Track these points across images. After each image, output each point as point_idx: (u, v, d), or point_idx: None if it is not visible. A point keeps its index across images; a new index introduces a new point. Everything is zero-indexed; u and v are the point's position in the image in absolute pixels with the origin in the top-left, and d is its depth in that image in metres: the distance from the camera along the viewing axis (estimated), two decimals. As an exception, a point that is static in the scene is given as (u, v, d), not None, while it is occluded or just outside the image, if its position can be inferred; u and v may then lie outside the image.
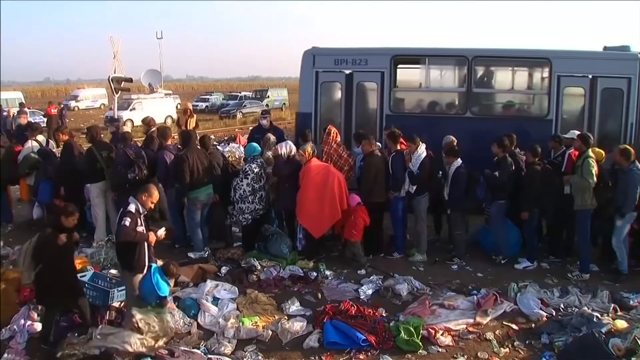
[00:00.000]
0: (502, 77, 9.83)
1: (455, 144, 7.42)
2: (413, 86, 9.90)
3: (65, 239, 4.77)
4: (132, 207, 4.96)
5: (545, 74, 8.60)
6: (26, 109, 16.84)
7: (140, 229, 4.97)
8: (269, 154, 7.47)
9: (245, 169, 7.07)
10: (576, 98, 8.38)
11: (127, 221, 4.85)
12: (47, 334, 4.84)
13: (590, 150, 6.57)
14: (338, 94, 9.15)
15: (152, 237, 5.03)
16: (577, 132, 7.10)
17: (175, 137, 10.43)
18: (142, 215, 5.04)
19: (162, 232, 5.23)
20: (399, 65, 9.12)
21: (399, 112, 8.95)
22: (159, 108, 26.35)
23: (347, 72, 8.92)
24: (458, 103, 9.17)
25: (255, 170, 6.99)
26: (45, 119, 21.67)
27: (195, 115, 11.56)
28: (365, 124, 8.79)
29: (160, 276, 4.95)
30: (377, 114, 8.86)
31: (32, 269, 4.83)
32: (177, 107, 28.62)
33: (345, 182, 7.03)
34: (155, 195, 5.15)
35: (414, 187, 6.99)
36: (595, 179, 6.35)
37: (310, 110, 9.00)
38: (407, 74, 9.86)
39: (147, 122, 9.30)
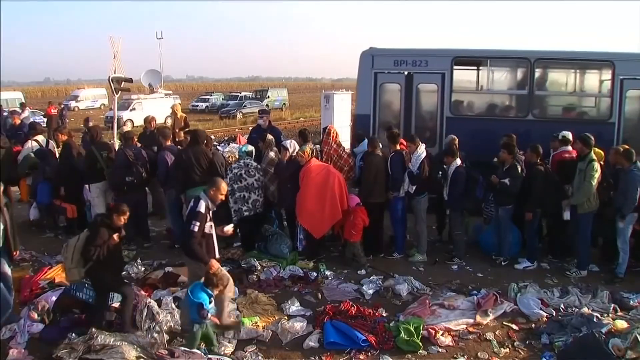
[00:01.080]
0: (564, 80, 9.71)
1: (456, 142, 7.42)
2: (472, 88, 9.70)
3: (117, 239, 4.91)
4: (202, 207, 4.81)
5: (608, 77, 8.50)
6: (18, 109, 16.77)
7: (209, 225, 4.90)
8: (272, 154, 7.46)
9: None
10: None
11: (196, 226, 4.73)
12: (99, 318, 5.00)
13: (592, 152, 6.57)
14: (397, 96, 9.00)
15: (215, 264, 4.83)
16: (570, 133, 7.13)
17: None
18: (210, 212, 4.94)
19: (229, 228, 5.21)
20: (459, 67, 8.96)
21: (459, 114, 8.87)
22: (159, 108, 26.33)
23: (407, 73, 8.81)
24: (519, 105, 9.06)
25: (234, 172, 6.98)
26: (45, 119, 21.69)
27: (182, 116, 11.51)
28: (424, 126, 8.71)
29: (202, 288, 4.62)
30: (437, 116, 8.76)
31: (82, 266, 4.91)
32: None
33: (345, 182, 7.03)
34: (224, 187, 5.03)
35: (414, 187, 6.99)
36: (596, 182, 6.36)
37: (368, 112, 8.86)
38: (466, 76, 9.69)
39: (149, 120, 9.31)
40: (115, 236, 4.90)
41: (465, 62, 9.16)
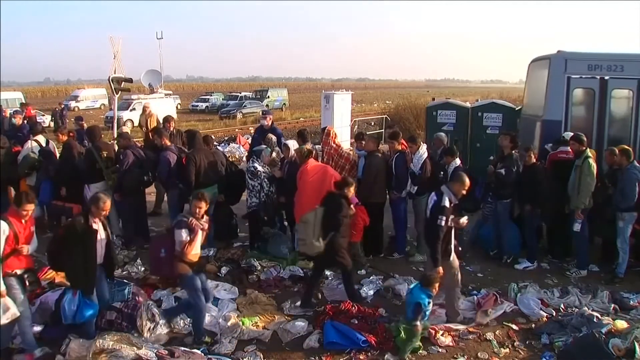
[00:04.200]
0: None
1: (446, 142, 7.44)
2: None
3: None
4: (446, 201, 4.98)
5: None
6: (19, 109, 16.70)
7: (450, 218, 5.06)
8: (274, 154, 7.47)
9: None
10: None
11: (443, 220, 4.92)
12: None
13: (588, 150, 6.59)
14: (590, 101, 8.57)
15: (441, 271, 5.02)
16: (570, 134, 7.14)
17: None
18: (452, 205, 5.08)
19: (464, 220, 5.31)
20: None
21: None
22: (159, 108, 26.34)
23: (601, 78, 8.41)
24: None
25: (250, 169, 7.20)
26: (44, 119, 21.59)
27: (154, 115, 11.46)
28: (617, 133, 8.41)
29: (421, 289, 4.85)
30: (632, 124, 8.40)
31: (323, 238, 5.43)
32: (177, 107, 28.61)
33: None
34: (467, 182, 5.15)
35: (415, 188, 7.00)
36: (595, 178, 6.37)
37: (559, 117, 8.45)
38: None
39: (168, 120, 9.22)
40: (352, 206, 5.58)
41: None
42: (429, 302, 4.78)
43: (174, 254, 4.82)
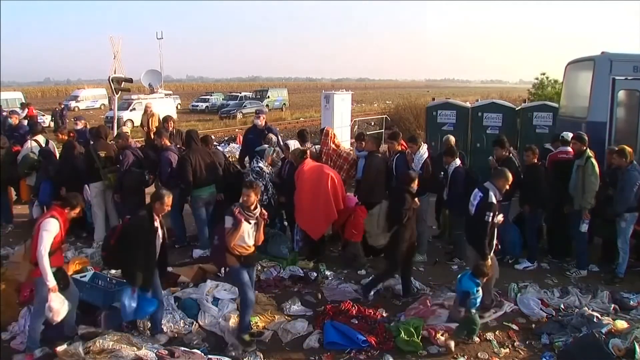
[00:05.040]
0: None
1: (453, 143, 7.43)
2: None
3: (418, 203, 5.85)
4: (493, 198, 5.10)
5: None
6: (18, 109, 16.69)
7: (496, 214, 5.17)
8: (274, 155, 7.48)
9: None
10: None
11: (490, 217, 5.08)
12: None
13: (589, 150, 6.59)
14: (636, 103, 8.54)
15: (489, 262, 5.19)
16: (570, 134, 7.14)
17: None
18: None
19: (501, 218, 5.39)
20: None
21: None
22: (159, 108, 26.31)
23: None
24: None
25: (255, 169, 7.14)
26: (44, 119, 21.59)
27: (156, 115, 11.46)
28: None
29: (470, 278, 5.02)
30: None
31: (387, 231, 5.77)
32: (177, 107, 28.59)
33: (341, 181, 7.00)
34: (510, 177, 5.29)
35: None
36: (598, 178, 6.38)
37: (604, 119, 8.34)
38: None
39: (167, 120, 9.23)
40: (416, 200, 5.77)
41: None
42: (477, 291, 4.94)
43: (224, 244, 4.78)
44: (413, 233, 5.93)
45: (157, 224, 4.75)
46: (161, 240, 4.83)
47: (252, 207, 4.84)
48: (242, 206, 4.81)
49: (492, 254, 5.33)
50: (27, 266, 4.70)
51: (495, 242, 5.38)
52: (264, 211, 5.00)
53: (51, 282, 4.47)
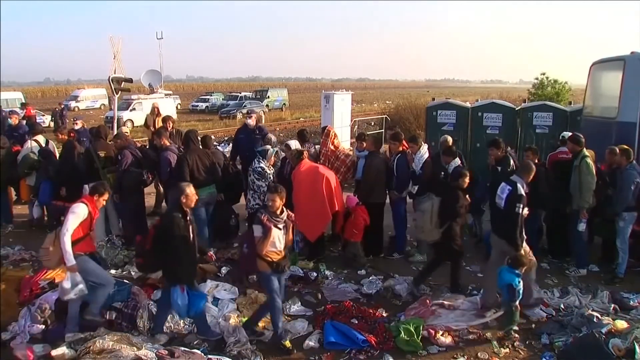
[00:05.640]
0: None
1: (451, 143, 7.44)
2: None
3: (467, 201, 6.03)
4: (522, 190, 5.24)
5: None
6: (17, 109, 16.69)
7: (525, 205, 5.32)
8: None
9: None
10: None
11: (520, 208, 5.23)
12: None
13: (584, 150, 6.60)
14: None
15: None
16: (570, 134, 7.14)
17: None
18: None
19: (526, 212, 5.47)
20: None
21: None
22: (160, 108, 26.36)
23: None
24: None
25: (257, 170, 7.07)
26: (44, 119, 21.61)
27: (162, 115, 11.47)
28: None
29: (509, 270, 5.07)
30: None
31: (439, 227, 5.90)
32: (177, 107, 28.60)
33: (338, 182, 6.99)
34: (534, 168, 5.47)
35: (416, 188, 7.00)
36: (595, 177, 6.38)
37: (634, 119, 8.24)
38: None
39: (165, 120, 9.24)
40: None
41: None
42: (519, 282, 4.97)
43: (254, 251, 4.77)
44: (462, 227, 6.08)
45: (189, 217, 4.80)
46: (192, 235, 4.83)
47: (279, 212, 4.75)
48: (268, 212, 4.73)
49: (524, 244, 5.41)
50: (58, 252, 4.80)
51: (523, 233, 5.45)
52: (290, 213, 4.93)
53: (70, 261, 4.62)
